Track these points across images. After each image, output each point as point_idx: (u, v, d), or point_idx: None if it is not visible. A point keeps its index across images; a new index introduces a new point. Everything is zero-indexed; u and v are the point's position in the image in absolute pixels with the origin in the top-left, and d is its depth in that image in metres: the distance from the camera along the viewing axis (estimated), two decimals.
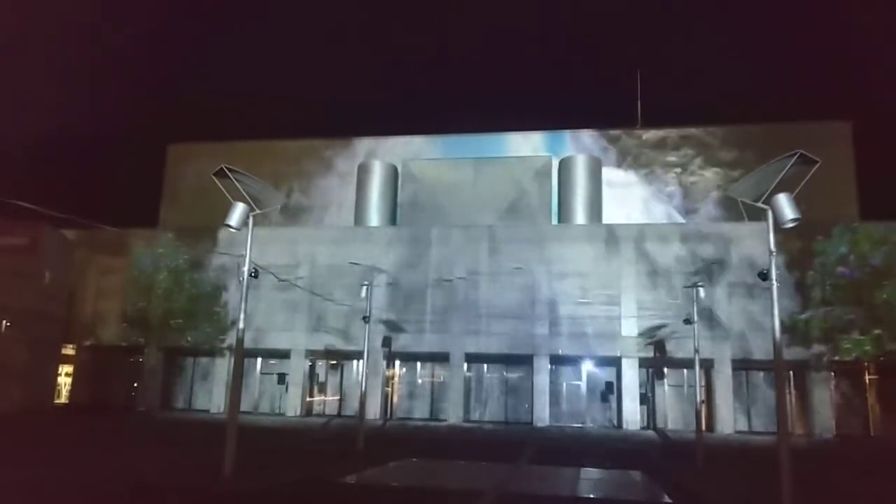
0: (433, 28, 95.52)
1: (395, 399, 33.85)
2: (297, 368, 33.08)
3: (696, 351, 20.13)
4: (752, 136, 37.64)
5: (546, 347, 31.09)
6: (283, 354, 33.25)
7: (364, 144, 41.89)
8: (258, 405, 34.29)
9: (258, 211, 13.35)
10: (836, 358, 28.31)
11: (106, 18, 79.96)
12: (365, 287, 21.32)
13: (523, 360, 31.87)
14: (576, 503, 12.41)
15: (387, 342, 30.51)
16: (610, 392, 31.69)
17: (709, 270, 27.94)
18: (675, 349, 29.04)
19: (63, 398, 36.31)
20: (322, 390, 35.07)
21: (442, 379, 33.00)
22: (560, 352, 31.09)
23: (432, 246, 32.97)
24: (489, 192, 37.45)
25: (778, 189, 10.84)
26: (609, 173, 38.49)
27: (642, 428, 30.38)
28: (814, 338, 28.19)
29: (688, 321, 20.16)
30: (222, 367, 33.30)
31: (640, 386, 31.20)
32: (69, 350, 35.89)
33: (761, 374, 30.98)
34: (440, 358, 32.29)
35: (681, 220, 37.04)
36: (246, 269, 13.16)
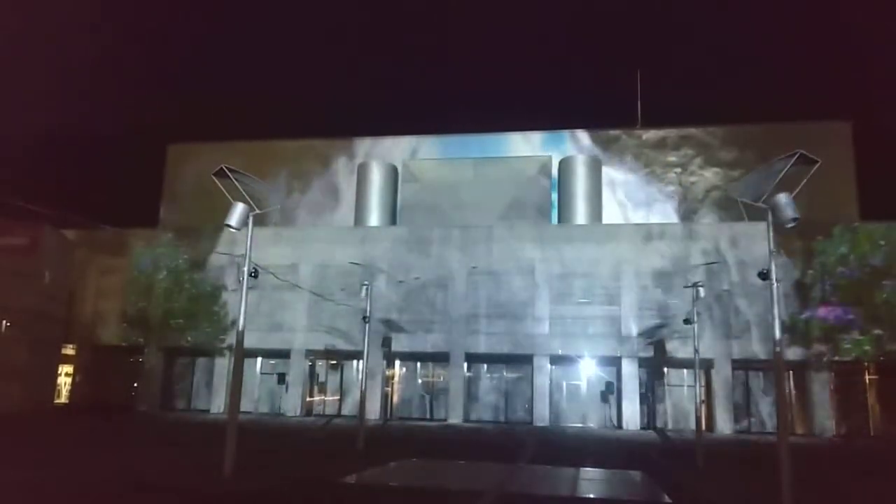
0: (433, 28, 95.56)
1: (395, 399, 33.85)
2: (297, 368, 33.09)
3: (696, 351, 20.14)
4: (752, 136, 37.65)
5: (546, 347, 31.10)
6: (283, 354, 33.25)
7: (364, 144, 41.89)
8: (258, 405, 34.28)
9: (258, 211, 13.36)
10: (836, 358, 28.32)
11: (106, 18, 80.00)
12: (365, 287, 21.32)
13: (523, 360, 31.88)
14: (576, 503, 12.41)
15: (387, 342, 30.52)
16: (610, 392, 31.69)
17: (708, 270, 27.89)
18: (675, 349, 29.06)
19: (63, 398, 36.31)
20: (322, 390, 35.07)
21: (442, 379, 33.00)
22: (560, 352, 31.10)
23: (432, 246, 32.96)
24: (489, 192, 37.46)
25: (778, 189, 10.85)
26: (609, 173, 38.50)
27: (642, 428, 30.39)
28: (814, 338, 28.20)
29: (688, 321, 20.17)
30: (222, 367, 33.30)
31: (640, 386, 31.21)
32: (69, 350, 35.89)
33: (761, 374, 30.98)
34: (440, 358, 32.30)
35: (680, 219, 37.01)
36: (246, 269, 13.16)
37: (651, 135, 39.53)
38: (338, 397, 34.43)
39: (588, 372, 32.59)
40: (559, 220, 36.51)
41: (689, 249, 30.83)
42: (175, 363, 35.49)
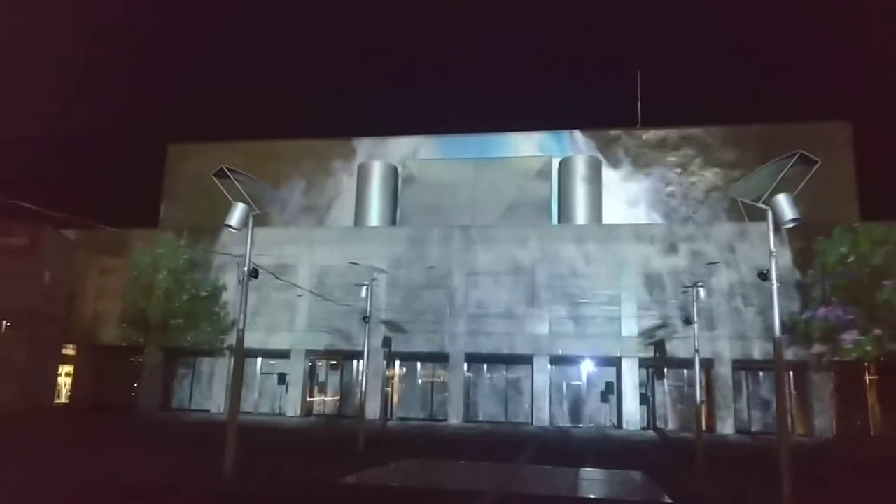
0: (434, 28, 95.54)
1: (395, 399, 33.85)
2: (297, 368, 33.09)
3: (697, 351, 20.14)
4: (752, 136, 37.65)
5: (546, 347, 31.11)
6: (283, 354, 33.26)
7: (364, 144, 41.89)
8: (258, 405, 34.29)
9: (258, 211, 13.36)
10: (836, 358, 28.32)
11: (106, 18, 80.00)
12: (365, 287, 21.31)
13: (523, 360, 31.88)
14: (576, 503, 12.41)
15: (387, 342, 30.52)
16: (610, 392, 31.70)
17: (708, 270, 27.87)
18: (675, 349, 29.07)
19: (63, 398, 36.31)
20: (322, 390, 35.08)
21: (442, 379, 33.00)
22: (560, 352, 31.10)
23: (432, 246, 32.96)
24: (489, 192, 37.47)
25: (778, 189, 10.85)
26: (609, 173, 38.50)
27: (642, 428, 30.39)
28: (814, 338, 28.20)
29: (688, 321, 20.18)
30: (222, 367, 33.30)
31: (640, 386, 31.21)
32: (69, 350, 35.89)
33: (761, 373, 31.00)
34: (440, 358, 32.30)
35: (680, 219, 36.99)
36: (246, 268, 13.17)
37: (651, 135, 39.53)
38: (338, 397, 34.44)
39: (588, 372, 32.59)
40: (559, 220, 36.51)
41: (690, 249, 30.81)
42: (175, 363, 35.48)
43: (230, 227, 12.82)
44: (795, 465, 10.39)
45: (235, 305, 26.43)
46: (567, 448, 22.52)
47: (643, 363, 30.95)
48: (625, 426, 30.00)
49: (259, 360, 34.66)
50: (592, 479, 15.51)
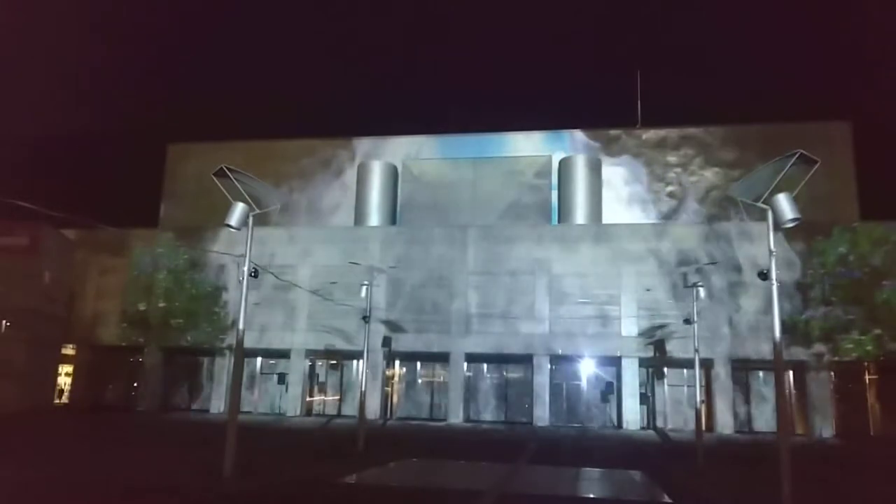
0: (434, 28, 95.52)
1: (395, 399, 33.85)
2: (296, 368, 33.09)
3: (696, 351, 20.16)
4: (752, 136, 37.63)
5: (546, 347, 31.11)
6: (283, 354, 33.26)
7: (364, 144, 41.88)
8: (258, 405, 34.28)
9: (258, 210, 13.37)
10: (836, 358, 28.33)
11: (106, 18, 80.00)
12: (364, 287, 21.32)
13: (523, 360, 31.88)
14: (576, 503, 12.41)
15: (387, 342, 30.52)
16: (610, 392, 31.70)
17: (708, 270, 27.87)
18: (675, 349, 29.06)
19: (63, 398, 36.31)
20: (322, 390, 35.08)
21: (442, 379, 33.00)
22: (560, 352, 31.10)
23: (432, 245, 32.96)
24: (489, 192, 37.45)
25: (778, 189, 10.86)
26: (609, 173, 38.49)
27: (642, 428, 30.39)
28: (814, 338, 28.21)
29: (688, 321, 20.19)
30: (222, 367, 33.30)
31: (640, 386, 31.21)
32: (69, 350, 35.89)
33: (761, 373, 30.99)
34: (440, 358, 32.30)
35: (680, 219, 36.98)
36: (246, 268, 13.17)
37: (651, 135, 39.51)
38: (338, 397, 34.44)
39: (588, 372, 32.59)
40: (559, 220, 36.49)
41: (689, 249, 30.80)
42: (175, 363, 35.48)
43: (230, 226, 12.83)
44: (795, 465, 10.39)
45: (235, 305, 26.43)
46: (567, 448, 22.52)
47: (643, 363, 30.95)
48: (625, 426, 30.00)
49: (259, 359, 34.66)
50: (592, 479, 15.51)
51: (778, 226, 10.86)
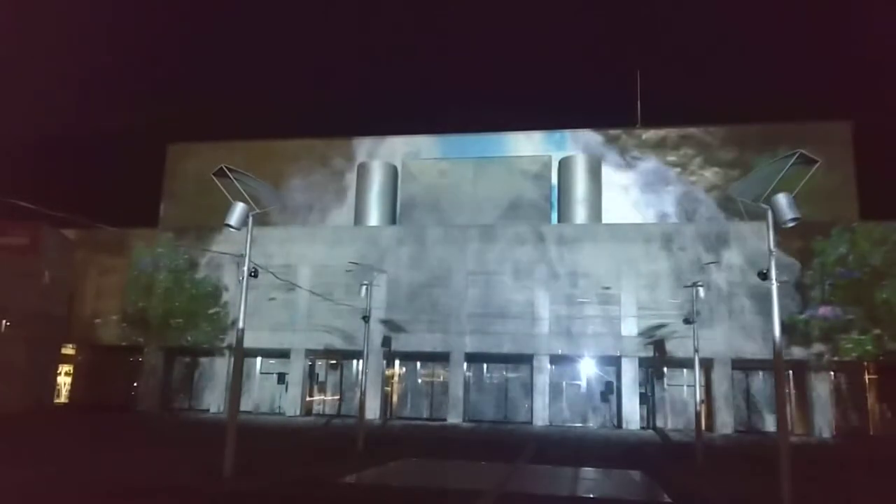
0: (434, 28, 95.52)
1: (395, 399, 33.85)
2: (296, 368, 33.08)
3: (696, 351, 20.16)
4: (752, 136, 37.63)
5: (546, 347, 31.10)
6: (283, 354, 33.25)
7: (364, 144, 41.86)
8: (258, 405, 34.29)
9: (258, 210, 13.37)
10: (836, 358, 28.33)
11: (106, 18, 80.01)
12: (364, 287, 21.31)
13: (523, 360, 31.88)
14: (576, 503, 12.42)
15: (386, 342, 30.50)
16: (610, 392, 31.70)
17: (707, 270, 27.88)
18: (675, 349, 29.06)
19: (63, 398, 36.31)
20: (322, 390, 35.08)
21: (442, 379, 33.00)
22: (560, 352, 31.10)
23: (432, 245, 32.96)
24: (489, 191, 37.42)
25: (778, 189, 10.86)
26: (609, 173, 38.47)
27: (642, 428, 30.39)
28: (814, 337, 28.22)
29: (688, 321, 20.19)
30: (222, 366, 33.30)
31: (640, 386, 31.22)
32: (69, 350, 35.89)
33: (761, 373, 30.99)
34: (440, 358, 32.30)
35: (680, 219, 36.97)
36: (246, 268, 13.17)
37: (651, 135, 39.51)
38: (337, 397, 34.44)
39: (588, 372, 32.59)
40: (559, 220, 36.48)
41: (689, 249, 30.79)
42: (175, 363, 35.48)
43: (230, 226, 12.83)
44: (795, 465, 10.39)
45: (235, 304, 26.43)
46: (567, 447, 22.52)
47: (643, 363, 30.96)
48: (624, 426, 30.00)
49: (259, 359, 34.66)
50: (592, 479, 15.51)
51: (778, 225, 10.87)
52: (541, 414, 30.71)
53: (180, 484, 12.13)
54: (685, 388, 31.16)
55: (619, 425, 30.44)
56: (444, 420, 31.32)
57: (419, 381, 34.10)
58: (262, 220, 13.91)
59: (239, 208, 12.90)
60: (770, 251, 11.08)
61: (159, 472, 13.59)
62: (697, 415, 20.11)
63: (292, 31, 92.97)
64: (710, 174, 38.27)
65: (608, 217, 36.81)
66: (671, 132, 39.32)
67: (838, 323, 27.56)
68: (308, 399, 34.07)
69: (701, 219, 36.36)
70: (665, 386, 31.76)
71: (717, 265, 28.50)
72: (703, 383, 28.98)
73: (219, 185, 13.48)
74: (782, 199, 10.64)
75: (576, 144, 39.76)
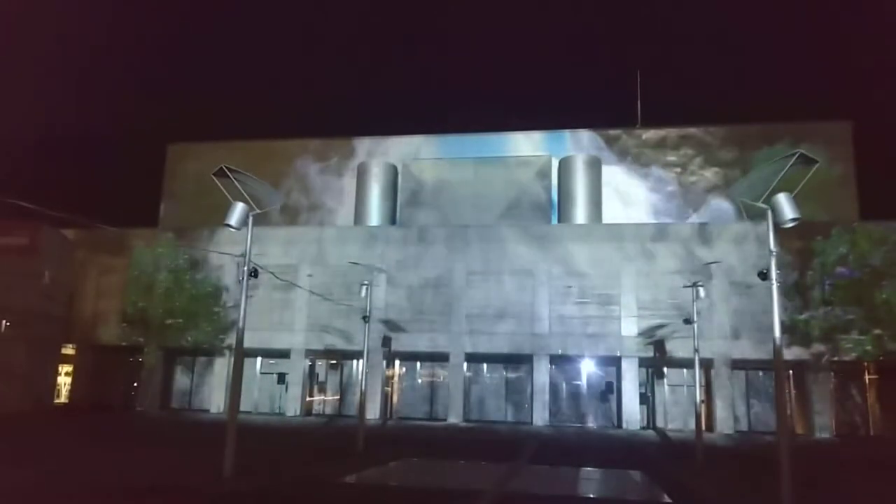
0: (434, 28, 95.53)
1: (395, 399, 33.84)
2: (296, 368, 33.08)
3: (696, 351, 20.15)
4: (753, 135, 37.61)
5: (546, 347, 31.09)
6: (283, 354, 33.25)
7: (364, 144, 41.86)
8: (258, 405, 34.28)
9: (258, 210, 13.37)
10: (836, 358, 28.32)
11: (106, 18, 80.00)
12: (364, 287, 21.30)
13: (523, 360, 31.87)
14: (576, 503, 12.41)
15: (386, 342, 30.49)
16: (610, 392, 31.69)
17: (707, 270, 27.85)
18: (675, 349, 29.05)
19: (63, 398, 36.31)
20: (322, 390, 35.07)
21: (442, 379, 32.99)
22: (560, 352, 31.09)
23: (432, 245, 32.94)
24: (489, 191, 37.42)
25: (778, 189, 10.85)
26: (609, 173, 38.48)
27: (642, 427, 30.39)
28: (814, 338, 28.20)
29: (688, 321, 20.19)
30: (222, 366, 33.29)
31: (640, 386, 31.21)
32: (69, 350, 35.88)
33: (761, 373, 30.99)
34: (440, 358, 32.29)
35: (680, 219, 36.99)
36: (246, 268, 13.17)
37: (651, 135, 39.51)
38: (337, 397, 34.43)
39: (588, 372, 32.58)
40: (559, 220, 36.48)
41: (689, 249, 30.77)
42: (175, 363, 35.47)
43: (230, 226, 12.83)
44: (795, 465, 10.39)
45: (234, 304, 26.42)
46: (567, 448, 22.51)
47: (643, 363, 30.94)
48: (624, 426, 29.99)
49: (259, 359, 34.65)
50: (592, 479, 15.51)
51: (778, 225, 10.86)
52: (541, 414, 30.70)
53: (180, 484, 12.13)
54: (685, 388, 31.14)
55: (619, 425, 30.43)
56: (445, 420, 31.32)
57: (419, 381, 34.09)
58: (262, 221, 13.88)
59: (239, 208, 12.89)
60: (770, 251, 11.08)
61: (159, 472, 13.58)
62: (697, 415, 20.10)
63: (292, 31, 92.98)
64: (710, 174, 38.29)
65: (608, 217, 36.82)
66: (671, 132, 39.35)
67: (838, 322, 27.53)
68: (308, 399, 34.07)
69: (701, 218, 36.37)
70: (665, 386, 31.74)
71: (718, 265, 28.42)
72: (703, 383, 28.99)
73: (219, 185, 13.48)
74: (782, 199, 10.64)
75: (576, 144, 39.79)
